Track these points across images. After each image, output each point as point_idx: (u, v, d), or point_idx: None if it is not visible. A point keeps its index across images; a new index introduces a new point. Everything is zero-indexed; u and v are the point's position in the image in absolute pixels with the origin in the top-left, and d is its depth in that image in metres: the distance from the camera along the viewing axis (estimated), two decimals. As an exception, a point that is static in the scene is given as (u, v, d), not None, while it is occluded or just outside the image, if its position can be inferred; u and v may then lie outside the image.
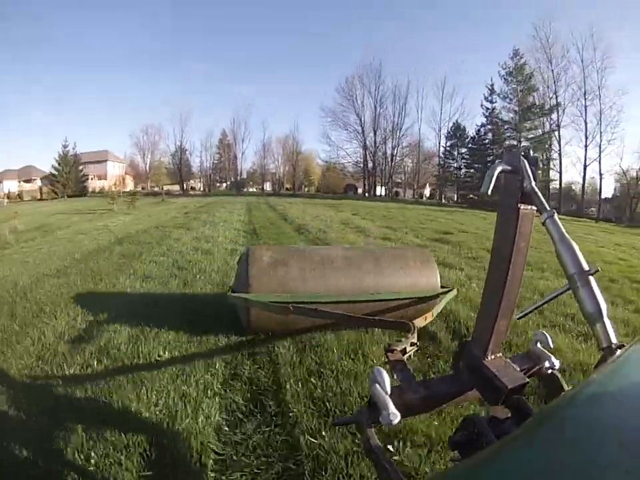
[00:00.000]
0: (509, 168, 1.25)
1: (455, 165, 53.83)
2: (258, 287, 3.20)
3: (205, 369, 2.94)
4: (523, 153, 1.28)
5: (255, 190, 65.63)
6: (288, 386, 2.70)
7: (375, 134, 57.59)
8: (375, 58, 66.07)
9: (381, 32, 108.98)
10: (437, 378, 1.68)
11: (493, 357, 1.34)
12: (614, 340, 1.06)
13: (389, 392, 1.12)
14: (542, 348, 1.35)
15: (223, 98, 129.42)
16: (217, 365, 3.01)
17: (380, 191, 57.88)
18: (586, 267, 1.13)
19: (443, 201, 52.53)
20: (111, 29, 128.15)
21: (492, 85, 51.07)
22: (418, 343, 1.86)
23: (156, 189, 53.14)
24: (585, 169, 45.31)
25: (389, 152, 56.53)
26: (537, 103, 47.98)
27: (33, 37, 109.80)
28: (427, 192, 42.45)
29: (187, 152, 68.36)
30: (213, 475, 1.98)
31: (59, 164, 52.50)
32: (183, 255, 7.23)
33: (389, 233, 11.49)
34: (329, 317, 2.96)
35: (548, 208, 1.23)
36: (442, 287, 3.80)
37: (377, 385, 1.14)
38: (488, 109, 51.36)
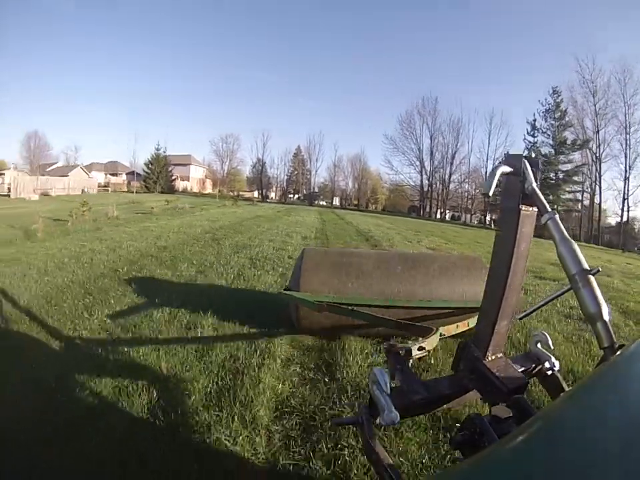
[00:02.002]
0: (511, 169, 1.36)
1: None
2: (307, 286, 3.59)
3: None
4: (524, 155, 1.39)
5: (324, 203, 75.46)
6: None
7: (430, 162, 65.72)
8: (431, 91, 75.45)
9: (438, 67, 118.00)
10: (437, 379, 1.79)
11: (493, 357, 1.47)
12: (615, 340, 1.12)
13: (388, 392, 1.25)
14: (542, 348, 1.51)
15: (297, 112, 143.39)
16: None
17: (440, 213, 65.28)
18: (587, 267, 1.21)
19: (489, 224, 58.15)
20: (191, 40, 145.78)
21: (534, 121, 59.28)
22: (428, 349, 2.01)
23: (232, 194, 63.37)
24: (624, 201, 51.12)
25: (445, 178, 64.26)
26: (575, 138, 55.30)
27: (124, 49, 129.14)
28: (488, 217, 48.51)
29: (265, 163, 79.55)
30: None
31: (151, 163, 64.54)
32: (288, 226, 16.29)
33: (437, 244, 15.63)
34: (358, 316, 3.28)
35: (549, 209, 1.34)
36: None
37: (377, 385, 1.28)
38: (530, 142, 59.51)
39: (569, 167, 55.38)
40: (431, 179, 66.09)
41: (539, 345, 1.53)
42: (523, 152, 50.32)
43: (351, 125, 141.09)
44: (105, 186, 63.93)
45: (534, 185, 1.35)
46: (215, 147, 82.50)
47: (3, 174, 55.48)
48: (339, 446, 2.32)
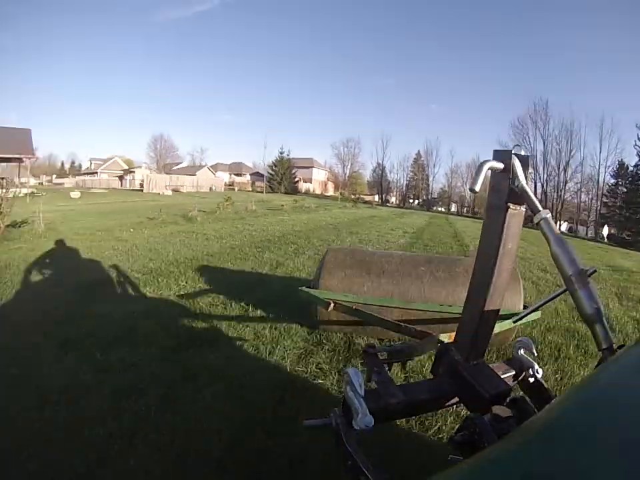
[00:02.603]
0: (499, 166, 1.32)
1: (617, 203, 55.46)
2: (327, 285, 3.77)
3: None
4: (514, 152, 1.34)
5: (442, 209, 75.99)
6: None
7: (544, 169, 63.31)
8: (542, 97, 71.54)
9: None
10: (415, 383, 1.76)
11: (474, 362, 1.45)
12: (613, 341, 1.12)
13: (362, 394, 1.21)
14: (525, 355, 1.48)
15: (416, 116, 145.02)
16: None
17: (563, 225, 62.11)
18: (583, 267, 1.19)
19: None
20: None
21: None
22: (416, 354, 2.00)
23: (352, 197, 66.36)
24: None
25: (559, 186, 61.63)
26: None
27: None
28: (604, 230, 45.05)
29: (385, 168, 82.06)
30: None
31: (275, 165, 69.67)
32: (397, 224, 18.79)
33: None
34: (363, 317, 3.42)
35: (541, 208, 1.30)
36: (525, 306, 3.83)
37: (351, 387, 1.23)
38: (641, 148, 53.31)
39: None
40: (545, 187, 63.89)
41: (521, 351, 1.51)
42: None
43: (467, 130, 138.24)
44: (230, 185, 70.46)
45: (524, 182, 1.32)
46: (337, 150, 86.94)
47: (134, 171, 65.09)
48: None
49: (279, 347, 3.64)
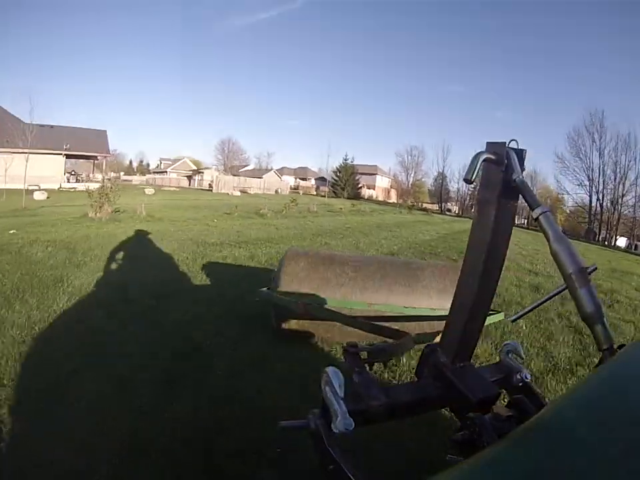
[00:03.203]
0: (493, 158, 1.32)
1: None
2: (286, 286, 3.75)
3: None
4: (509, 145, 1.34)
5: (511, 221, 76.53)
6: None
7: (599, 181, 62.15)
8: (597, 108, 69.38)
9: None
10: (398, 385, 1.73)
11: (461, 364, 1.44)
12: (614, 341, 1.12)
13: (342, 396, 1.19)
14: (513, 359, 1.48)
15: (481, 124, 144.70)
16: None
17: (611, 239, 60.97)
18: (583, 265, 1.19)
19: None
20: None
21: None
22: (396, 354, 2.03)
23: (408, 204, 67.75)
24: None
25: (616, 200, 60.40)
26: None
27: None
28: None
29: (446, 177, 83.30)
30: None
31: (339, 171, 72.69)
32: (433, 227, 21.23)
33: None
34: (333, 317, 3.50)
35: (540, 203, 1.28)
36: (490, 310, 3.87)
37: (330, 387, 1.21)
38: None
39: None
40: (602, 201, 62.91)
41: (509, 355, 1.50)
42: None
43: (528, 140, 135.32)
44: (296, 188, 74.41)
45: (522, 176, 1.30)
46: (401, 158, 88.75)
47: (202, 172, 71.06)
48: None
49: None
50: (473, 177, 1.29)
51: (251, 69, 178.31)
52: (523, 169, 1.33)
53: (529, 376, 1.42)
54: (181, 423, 2.65)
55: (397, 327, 3.22)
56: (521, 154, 1.35)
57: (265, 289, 3.96)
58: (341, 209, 28.13)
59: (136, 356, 3.41)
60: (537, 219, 1.28)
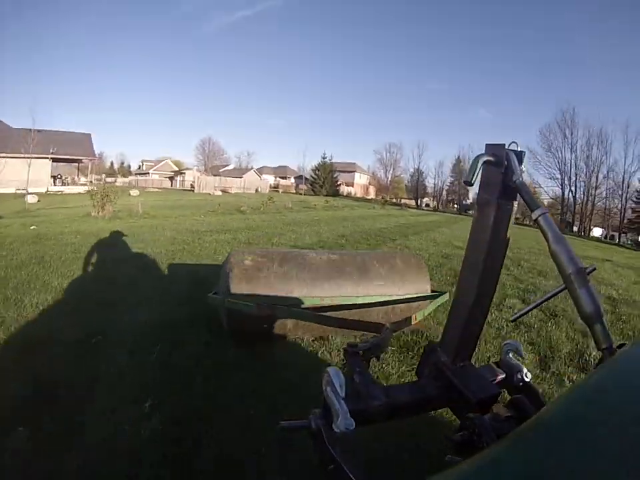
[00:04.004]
0: (493, 160, 1.36)
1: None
2: (237, 289, 3.55)
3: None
4: (508, 147, 1.36)
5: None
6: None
7: (572, 175, 64.63)
8: (569, 104, 71.89)
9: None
10: (398, 385, 1.75)
11: (461, 364, 1.46)
12: (613, 341, 1.13)
13: (343, 396, 1.22)
14: (513, 358, 1.49)
15: (455, 119, 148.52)
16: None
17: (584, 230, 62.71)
18: (582, 266, 1.21)
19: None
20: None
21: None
22: (386, 347, 2.03)
23: (394, 200, 69.72)
24: None
25: (588, 192, 62.17)
26: None
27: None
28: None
29: (423, 173, 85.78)
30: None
31: (318, 169, 74.63)
32: (398, 218, 23.63)
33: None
34: (302, 316, 3.44)
35: (539, 204, 1.31)
36: (433, 291, 4.28)
37: (331, 387, 1.24)
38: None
39: None
40: (575, 193, 64.79)
41: (510, 354, 1.50)
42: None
43: (500, 137, 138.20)
44: (275, 187, 76.09)
45: (522, 178, 1.34)
46: (379, 155, 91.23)
47: (184, 173, 72.99)
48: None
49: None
50: (473, 179, 1.32)
51: (229, 69, 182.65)
52: (522, 171, 1.37)
53: (529, 375, 1.45)
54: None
55: (369, 320, 3.70)
56: (520, 156, 1.38)
57: (212, 294, 3.83)
58: (315, 205, 30.52)
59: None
60: (536, 220, 1.31)
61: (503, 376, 1.51)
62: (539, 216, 1.29)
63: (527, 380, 1.45)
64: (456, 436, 1.19)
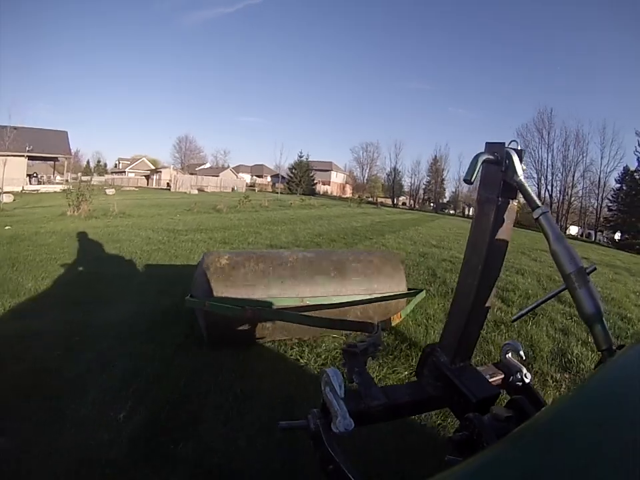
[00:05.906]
0: (493, 158, 1.35)
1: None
2: (214, 291, 3.46)
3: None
4: (508, 146, 1.36)
5: (453, 212, 79.68)
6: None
7: (548, 174, 66.59)
8: (547, 105, 73.71)
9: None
10: (397, 385, 1.75)
11: (461, 364, 1.47)
12: (613, 341, 1.14)
13: (342, 396, 1.23)
14: (513, 359, 1.50)
15: (431, 118, 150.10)
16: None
17: (572, 229, 64.15)
18: (583, 265, 1.21)
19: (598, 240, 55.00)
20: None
21: (644, 133, 53.45)
22: (380, 345, 1.96)
23: (370, 199, 70.05)
24: None
25: (563, 191, 63.85)
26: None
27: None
28: (617, 235, 47.40)
29: (399, 172, 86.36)
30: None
31: (294, 168, 74.80)
32: (373, 217, 24.12)
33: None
34: (287, 318, 3.32)
35: (540, 203, 1.32)
36: (410, 289, 4.29)
37: (330, 388, 1.25)
38: (640, 154, 54.55)
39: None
40: (552, 192, 66.02)
41: (509, 355, 1.50)
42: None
43: (477, 137, 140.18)
44: (252, 186, 76.12)
45: (522, 177, 1.33)
46: (356, 154, 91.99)
47: (160, 171, 72.38)
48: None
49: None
50: (473, 178, 1.31)
51: (207, 66, 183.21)
52: (523, 169, 1.37)
53: (529, 376, 1.46)
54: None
55: (354, 319, 3.70)
56: (520, 154, 1.37)
57: (189, 297, 3.61)
58: (292, 203, 30.72)
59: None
60: (537, 220, 1.31)
61: (503, 376, 1.52)
62: (540, 215, 1.30)
63: (526, 380, 1.46)
64: (456, 436, 1.20)
